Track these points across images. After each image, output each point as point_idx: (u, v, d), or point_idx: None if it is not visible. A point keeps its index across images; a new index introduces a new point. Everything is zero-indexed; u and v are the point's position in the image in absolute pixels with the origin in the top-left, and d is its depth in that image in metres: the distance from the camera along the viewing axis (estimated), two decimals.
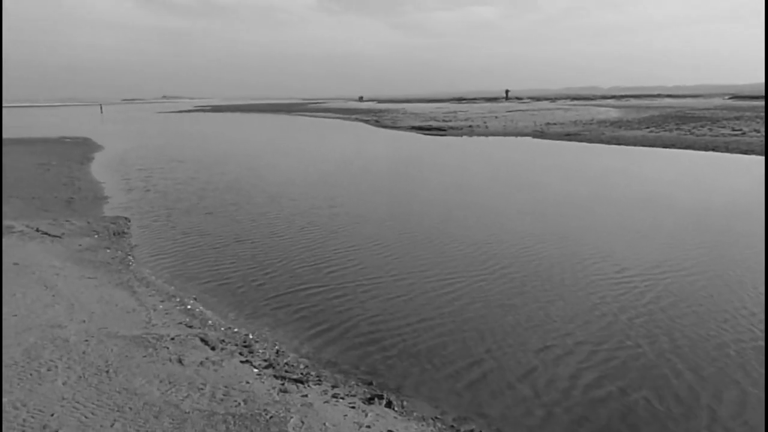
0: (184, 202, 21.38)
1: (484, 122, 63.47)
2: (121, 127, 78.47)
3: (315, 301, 11.13)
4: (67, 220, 17.14)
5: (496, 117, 71.21)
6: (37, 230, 15.66)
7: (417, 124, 65.20)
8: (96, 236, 15.59)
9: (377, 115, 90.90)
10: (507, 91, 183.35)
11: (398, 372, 8.39)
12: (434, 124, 63.68)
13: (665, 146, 39.39)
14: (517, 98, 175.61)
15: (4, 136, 55.95)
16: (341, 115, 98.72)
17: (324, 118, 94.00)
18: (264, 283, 12.22)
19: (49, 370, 7.64)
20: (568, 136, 47.26)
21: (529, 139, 48.08)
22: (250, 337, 9.41)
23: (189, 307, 10.63)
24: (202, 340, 8.92)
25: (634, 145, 40.93)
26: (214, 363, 8.08)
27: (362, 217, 18.42)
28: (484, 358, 8.83)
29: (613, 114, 71.93)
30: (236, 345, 8.92)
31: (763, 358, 8.66)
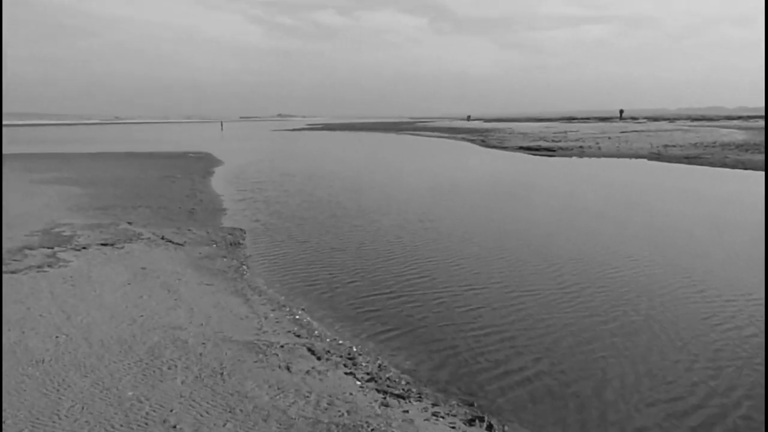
0: (293, 214, 22.31)
1: (596, 143, 61.22)
2: (239, 143, 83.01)
3: (412, 313, 11.22)
4: (189, 230, 18.36)
5: (609, 138, 68.44)
6: (162, 238, 16.89)
7: (525, 144, 63.99)
8: (214, 246, 16.57)
9: (483, 134, 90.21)
10: (621, 111, 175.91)
11: (498, 394, 8.25)
12: (543, 144, 62.26)
13: None
14: (632, 118, 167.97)
15: (141, 149, 61.12)
16: (447, 134, 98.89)
17: (430, 137, 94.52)
18: (368, 295, 12.44)
19: (169, 368, 8.21)
20: (688, 159, 44.60)
21: (644, 161, 45.86)
22: (354, 349, 9.62)
23: (297, 317, 11.04)
24: (309, 349, 9.23)
25: (763, 170, 37.88)
26: (319, 372, 8.35)
27: (453, 235, 18.35)
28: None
29: (739, 136, 66.97)
30: (341, 357, 9.16)
31: None
